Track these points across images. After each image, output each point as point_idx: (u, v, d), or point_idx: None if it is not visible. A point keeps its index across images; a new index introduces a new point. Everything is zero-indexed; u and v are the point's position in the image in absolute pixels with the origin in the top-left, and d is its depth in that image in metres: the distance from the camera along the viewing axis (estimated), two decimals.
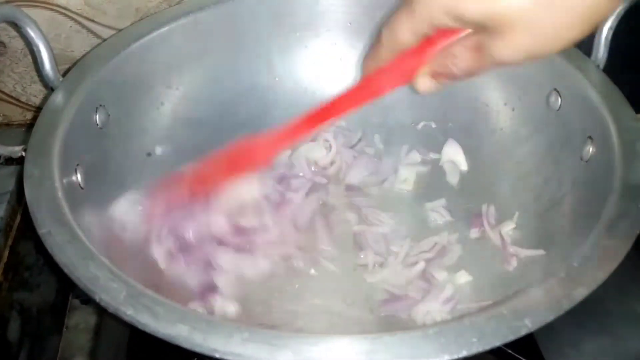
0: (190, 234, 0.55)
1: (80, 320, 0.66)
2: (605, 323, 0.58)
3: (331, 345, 0.35)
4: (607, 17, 0.34)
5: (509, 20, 0.35)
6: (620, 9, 0.56)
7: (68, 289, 0.68)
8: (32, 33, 0.55)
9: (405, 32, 0.41)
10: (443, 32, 0.40)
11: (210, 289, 0.54)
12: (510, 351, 0.53)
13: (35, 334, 0.63)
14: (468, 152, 0.67)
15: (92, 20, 0.70)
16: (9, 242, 0.63)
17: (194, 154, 0.65)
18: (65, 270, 0.40)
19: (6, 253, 0.62)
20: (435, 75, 0.42)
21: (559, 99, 0.59)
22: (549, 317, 0.37)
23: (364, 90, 0.48)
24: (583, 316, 0.57)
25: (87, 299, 0.66)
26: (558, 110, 0.59)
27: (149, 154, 0.64)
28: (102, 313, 0.64)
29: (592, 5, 0.34)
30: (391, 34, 0.42)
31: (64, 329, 0.65)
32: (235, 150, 0.57)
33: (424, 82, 0.43)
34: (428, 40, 0.41)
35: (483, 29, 0.37)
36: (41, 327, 0.64)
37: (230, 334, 0.36)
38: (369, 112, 0.72)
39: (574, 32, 0.36)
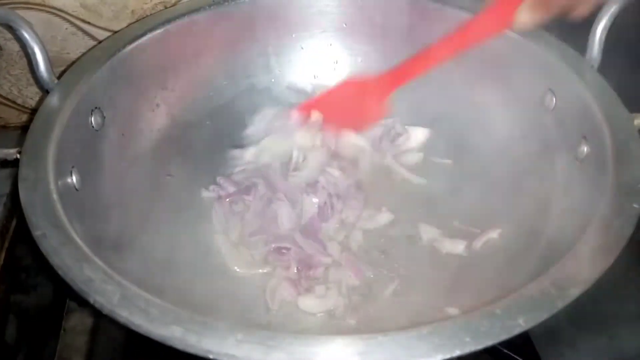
0: None
1: (78, 323, 0.65)
2: (602, 323, 0.58)
3: (325, 346, 0.35)
4: None
5: None
6: (614, 9, 0.56)
7: (65, 291, 0.68)
8: (27, 35, 0.55)
9: None
10: None
11: None
12: (506, 351, 0.53)
13: (32, 337, 0.63)
14: (463, 152, 0.67)
15: (88, 23, 0.70)
16: (6, 245, 0.63)
17: (190, 155, 0.66)
18: (60, 272, 0.40)
19: (3, 255, 0.62)
20: (535, 7, 0.45)
21: (554, 99, 0.59)
22: (543, 316, 0.37)
23: (472, 30, 0.52)
24: (579, 316, 0.57)
25: (84, 301, 0.66)
26: (553, 110, 0.59)
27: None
28: (99, 315, 0.64)
29: None
30: None
31: (62, 332, 0.64)
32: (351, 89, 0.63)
33: (526, 15, 0.46)
34: None
35: None
36: (38, 330, 0.64)
37: (224, 335, 0.36)
38: None
39: None
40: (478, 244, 0.59)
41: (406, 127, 0.70)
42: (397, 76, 0.59)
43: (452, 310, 0.52)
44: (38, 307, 0.66)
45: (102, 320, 0.64)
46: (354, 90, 0.64)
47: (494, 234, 0.59)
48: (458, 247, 0.59)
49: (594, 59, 0.58)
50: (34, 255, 0.66)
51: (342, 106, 0.64)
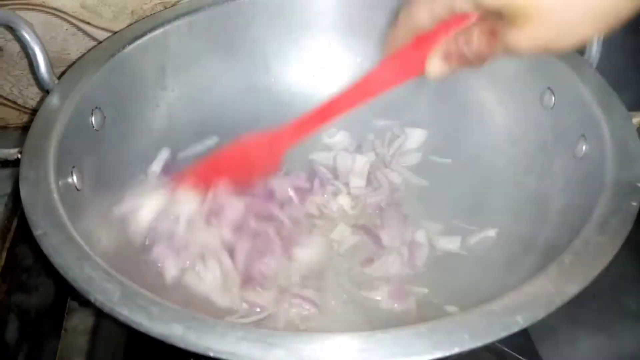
0: None
1: (79, 323, 0.66)
2: (601, 320, 0.58)
3: (324, 344, 0.36)
4: (624, 19, 0.34)
5: (526, 11, 0.36)
6: None
7: (66, 291, 0.68)
8: (27, 36, 0.55)
9: (423, 14, 0.42)
10: (459, 17, 0.41)
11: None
12: (506, 349, 0.53)
13: (33, 337, 0.63)
14: (462, 151, 0.67)
15: (88, 23, 0.70)
16: (7, 245, 0.64)
17: (190, 155, 0.67)
18: (61, 271, 0.41)
19: (4, 255, 0.62)
20: (447, 57, 0.42)
21: (553, 98, 0.59)
22: (541, 313, 0.37)
23: (376, 80, 0.49)
24: (578, 313, 0.57)
25: (85, 301, 0.66)
26: (552, 108, 0.59)
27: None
28: (100, 315, 0.64)
29: (609, 7, 0.35)
30: (409, 16, 0.43)
31: (63, 331, 0.64)
32: (243, 148, 0.58)
33: (436, 65, 0.43)
34: (443, 24, 0.42)
35: (500, 16, 0.37)
36: (39, 330, 0.64)
37: (224, 333, 0.36)
38: (364, 112, 0.72)
39: (589, 30, 0.36)
40: (472, 240, 0.59)
41: (404, 128, 0.70)
42: (293, 132, 0.55)
43: (451, 308, 0.52)
44: (39, 307, 0.66)
45: (104, 320, 0.64)
46: (245, 150, 0.59)
47: (491, 233, 0.59)
48: (455, 244, 0.59)
49: (592, 57, 0.58)
50: (35, 255, 0.66)
51: (232, 167, 0.59)
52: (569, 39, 0.37)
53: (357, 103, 0.50)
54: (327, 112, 0.52)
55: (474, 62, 0.41)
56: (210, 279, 0.54)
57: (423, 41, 0.43)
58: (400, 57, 0.46)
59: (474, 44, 0.40)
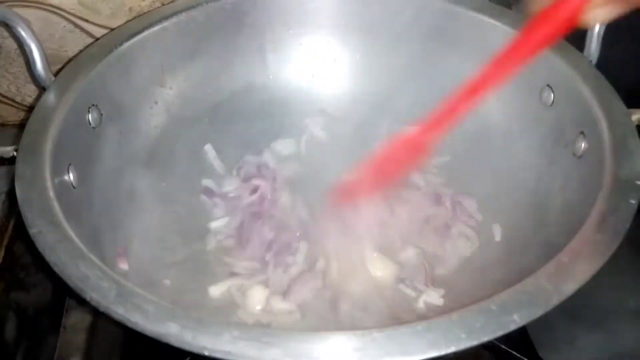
0: None
1: (77, 320, 0.65)
2: (599, 318, 0.58)
3: (320, 342, 0.35)
4: None
5: None
6: None
7: (65, 289, 0.68)
8: (23, 33, 0.55)
9: None
10: None
11: None
12: (504, 347, 0.53)
13: (32, 334, 0.63)
14: (461, 149, 0.67)
15: (86, 20, 0.70)
16: (5, 243, 0.64)
17: (188, 153, 0.66)
18: (56, 269, 0.41)
19: (1, 254, 0.63)
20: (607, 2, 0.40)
21: (552, 95, 0.59)
22: (538, 312, 0.37)
23: (530, 40, 0.45)
24: (577, 312, 0.57)
25: (84, 299, 0.66)
26: (551, 105, 0.59)
27: None
28: (99, 313, 0.64)
29: None
30: None
31: (61, 329, 0.64)
32: (392, 150, 0.57)
33: (596, 13, 0.40)
34: None
35: None
36: (38, 327, 0.64)
37: (219, 332, 0.36)
38: (363, 113, 0.72)
39: None
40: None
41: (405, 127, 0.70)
42: (441, 120, 0.52)
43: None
44: (37, 305, 0.66)
45: (102, 318, 0.64)
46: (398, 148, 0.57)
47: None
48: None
49: (592, 54, 0.57)
50: (33, 253, 0.66)
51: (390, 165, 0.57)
52: None
53: (508, 73, 0.47)
54: (479, 88, 0.48)
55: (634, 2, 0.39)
56: None
57: None
58: (551, 12, 0.42)
59: None
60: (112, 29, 0.68)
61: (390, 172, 0.58)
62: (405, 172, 0.61)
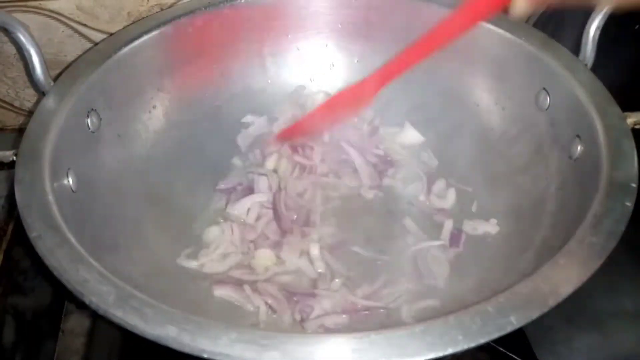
0: None
1: (76, 325, 0.65)
2: (597, 320, 0.58)
3: (318, 345, 0.36)
4: None
5: None
6: (607, 9, 0.56)
7: (63, 293, 0.68)
8: (22, 38, 0.55)
9: None
10: None
11: None
12: (502, 349, 0.53)
13: (30, 338, 0.63)
14: (459, 152, 0.67)
15: (85, 25, 0.70)
16: (4, 247, 0.64)
17: (187, 157, 0.67)
18: (55, 273, 0.41)
19: (0, 258, 0.62)
20: None
21: (548, 98, 0.59)
22: (535, 313, 0.37)
23: (463, 16, 0.49)
24: (574, 313, 0.58)
25: (82, 303, 0.66)
26: (547, 109, 0.59)
27: None
28: (97, 317, 0.64)
29: None
30: None
31: (60, 333, 0.64)
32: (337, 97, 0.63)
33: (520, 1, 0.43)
34: None
35: None
36: (36, 332, 0.64)
37: (218, 335, 0.36)
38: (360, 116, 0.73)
39: None
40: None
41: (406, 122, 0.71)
42: (384, 74, 0.58)
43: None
44: (36, 309, 0.66)
45: (100, 322, 0.64)
46: (340, 98, 0.64)
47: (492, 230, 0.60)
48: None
49: (587, 58, 0.58)
50: (32, 257, 0.66)
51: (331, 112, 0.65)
52: None
53: (438, 46, 0.52)
54: (410, 56, 0.54)
55: None
56: None
57: None
58: None
59: None
60: (111, 34, 0.69)
61: (333, 114, 0.64)
62: (347, 115, 0.67)
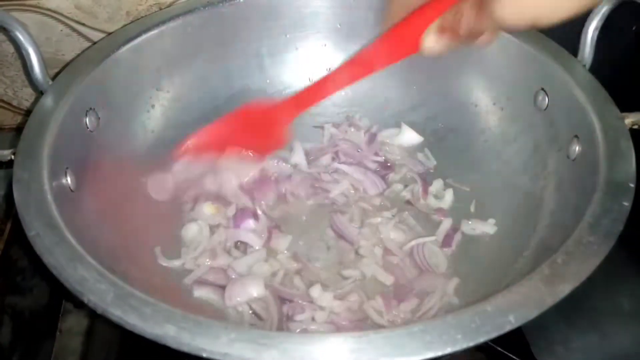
0: None
1: (74, 324, 0.65)
2: (594, 320, 0.58)
3: (317, 344, 0.36)
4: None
5: None
6: (605, 9, 0.56)
7: (61, 293, 0.68)
8: (21, 37, 0.55)
9: None
10: None
11: None
12: (500, 349, 0.53)
13: (28, 338, 0.63)
14: (457, 152, 0.67)
15: (83, 24, 0.70)
16: (1, 246, 0.63)
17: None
18: (54, 272, 0.41)
19: None
20: (441, 32, 0.43)
21: (546, 99, 0.59)
22: (533, 313, 0.37)
23: (373, 56, 0.50)
24: (572, 314, 0.58)
25: (80, 303, 0.66)
26: (545, 109, 0.59)
27: None
28: (95, 316, 0.64)
29: None
30: None
31: (58, 333, 0.64)
32: (246, 116, 0.61)
33: (431, 40, 0.44)
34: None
35: None
36: (34, 331, 0.64)
37: (217, 334, 0.36)
38: (361, 113, 0.73)
39: (574, 4, 0.36)
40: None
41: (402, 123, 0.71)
42: (297, 104, 0.57)
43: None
44: (34, 308, 0.66)
45: (98, 322, 0.64)
46: (253, 116, 0.61)
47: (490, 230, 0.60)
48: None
49: (585, 58, 0.58)
50: (30, 256, 0.66)
51: (243, 132, 0.61)
52: (553, 13, 0.37)
53: (354, 79, 0.52)
54: (325, 86, 0.54)
55: (466, 37, 0.42)
56: None
57: (418, 17, 0.44)
58: (396, 33, 0.47)
59: (464, 18, 0.40)
60: (109, 33, 0.69)
61: (241, 136, 0.61)
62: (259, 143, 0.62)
